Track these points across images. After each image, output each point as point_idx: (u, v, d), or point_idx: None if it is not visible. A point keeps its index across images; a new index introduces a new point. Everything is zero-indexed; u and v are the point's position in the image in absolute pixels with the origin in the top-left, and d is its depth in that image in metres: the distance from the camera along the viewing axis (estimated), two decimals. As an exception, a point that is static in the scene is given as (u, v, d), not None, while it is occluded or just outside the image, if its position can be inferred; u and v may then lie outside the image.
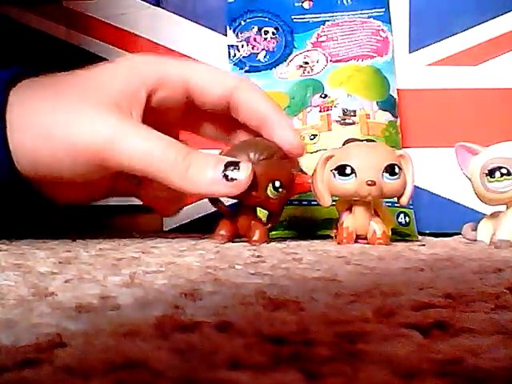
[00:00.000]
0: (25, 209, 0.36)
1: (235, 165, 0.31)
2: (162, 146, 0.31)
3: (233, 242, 0.35)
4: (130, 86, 0.33)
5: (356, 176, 0.35)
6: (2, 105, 0.31)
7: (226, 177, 0.31)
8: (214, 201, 0.35)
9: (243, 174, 0.31)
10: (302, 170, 0.39)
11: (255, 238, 0.35)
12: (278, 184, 0.33)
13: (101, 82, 0.32)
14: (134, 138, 0.31)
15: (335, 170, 0.36)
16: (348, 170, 0.35)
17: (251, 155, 0.33)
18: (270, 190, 0.33)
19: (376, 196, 0.35)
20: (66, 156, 0.31)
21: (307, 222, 0.45)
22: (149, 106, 0.33)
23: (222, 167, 0.31)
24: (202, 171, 0.31)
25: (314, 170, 0.38)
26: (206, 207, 0.54)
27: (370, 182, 0.34)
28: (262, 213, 0.37)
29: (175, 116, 0.36)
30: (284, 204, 0.36)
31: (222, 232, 0.35)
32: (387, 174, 0.35)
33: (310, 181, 0.37)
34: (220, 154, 0.35)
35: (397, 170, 0.35)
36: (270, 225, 0.36)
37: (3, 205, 0.35)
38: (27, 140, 0.31)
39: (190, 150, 0.32)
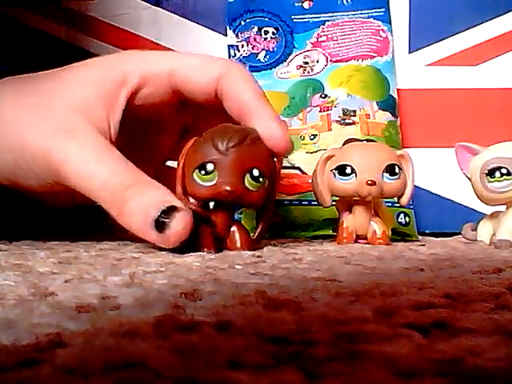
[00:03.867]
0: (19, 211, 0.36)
1: (172, 209, 0.27)
2: (106, 173, 0.29)
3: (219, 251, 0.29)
4: (105, 89, 0.31)
5: (356, 176, 0.35)
6: None
7: (157, 224, 0.27)
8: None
9: (179, 224, 0.27)
10: (298, 168, 0.38)
11: (238, 245, 0.30)
12: (256, 173, 0.28)
13: (72, 86, 0.31)
14: (83, 159, 0.29)
15: (335, 169, 0.36)
16: (348, 170, 0.35)
17: (219, 144, 0.28)
18: (248, 181, 0.28)
19: (376, 196, 0.35)
20: (28, 168, 0.30)
21: (307, 222, 0.45)
22: (133, 104, 0.32)
23: (156, 212, 0.27)
24: (136, 212, 0.28)
25: (314, 170, 0.38)
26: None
27: (370, 182, 0.34)
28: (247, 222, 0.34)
29: (167, 112, 0.35)
30: (271, 200, 0.31)
31: (209, 246, 0.29)
32: (387, 174, 0.35)
33: (309, 180, 0.37)
34: (186, 148, 0.30)
35: (397, 169, 0.35)
36: (257, 232, 0.31)
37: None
38: None
39: (141, 180, 0.29)
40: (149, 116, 0.34)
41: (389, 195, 0.36)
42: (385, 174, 0.35)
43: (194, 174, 0.28)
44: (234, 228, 0.30)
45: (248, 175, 0.28)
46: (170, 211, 0.27)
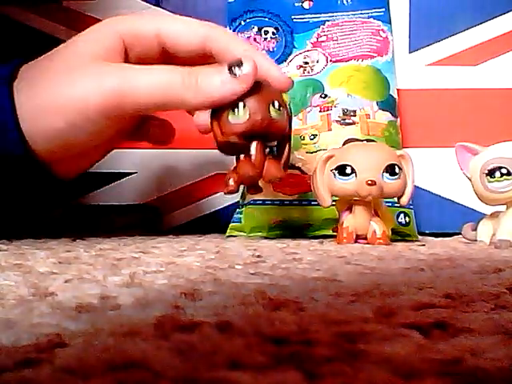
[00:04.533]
0: (34, 190, 0.37)
1: (238, 63, 0.33)
2: (166, 73, 0.33)
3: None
4: (111, 45, 0.34)
5: (356, 176, 0.35)
6: (10, 100, 0.32)
7: (234, 75, 0.32)
8: (249, 188, 0.36)
9: (248, 67, 0.32)
10: (298, 168, 0.39)
11: (273, 172, 0.34)
12: (277, 104, 0.34)
13: (85, 48, 0.34)
14: (139, 74, 0.32)
15: (335, 169, 0.36)
16: (348, 170, 0.35)
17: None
18: (272, 111, 0.34)
19: (376, 196, 0.35)
20: (79, 118, 0.32)
21: (307, 222, 0.45)
22: (128, 61, 0.35)
23: (226, 69, 0.32)
24: (210, 79, 0.33)
25: (314, 170, 0.38)
26: (205, 207, 0.54)
27: (370, 182, 0.34)
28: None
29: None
30: (289, 131, 0.36)
31: (231, 183, 0.35)
32: (387, 174, 0.35)
33: (309, 181, 0.37)
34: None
35: (397, 170, 0.35)
36: (284, 157, 0.36)
37: (15, 187, 0.36)
38: (43, 121, 0.32)
39: (190, 67, 0.33)
40: None
41: (389, 195, 0.36)
42: (385, 174, 0.35)
43: (229, 117, 0.33)
44: (267, 162, 0.35)
45: (271, 106, 0.33)
46: (234, 64, 0.33)
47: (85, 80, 0.32)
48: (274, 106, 0.34)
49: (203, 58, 0.36)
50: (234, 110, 0.33)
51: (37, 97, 0.32)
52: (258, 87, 0.33)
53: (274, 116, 0.34)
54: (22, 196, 0.37)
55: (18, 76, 0.33)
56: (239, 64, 0.33)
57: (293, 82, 0.37)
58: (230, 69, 0.32)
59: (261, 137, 0.34)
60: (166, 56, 0.36)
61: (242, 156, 0.35)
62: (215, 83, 0.33)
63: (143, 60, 0.35)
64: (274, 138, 0.35)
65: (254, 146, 0.34)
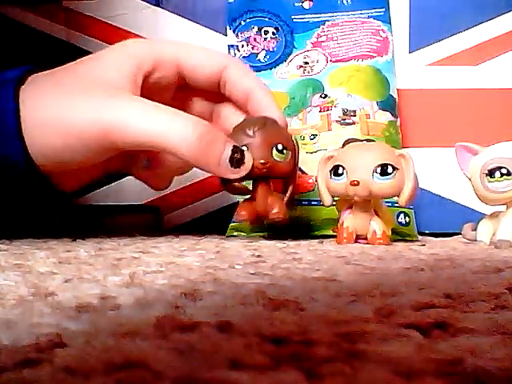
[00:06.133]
0: (34, 199, 0.37)
1: (240, 153, 0.34)
2: (168, 122, 0.33)
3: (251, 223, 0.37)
4: (127, 71, 0.34)
5: (347, 176, 0.35)
6: (15, 103, 0.32)
7: (232, 162, 0.34)
8: (225, 182, 0.36)
9: (248, 160, 0.34)
10: (298, 168, 0.39)
11: (275, 210, 0.36)
12: (280, 147, 0.35)
13: (99, 71, 0.34)
14: (139, 115, 0.32)
15: (331, 170, 0.36)
16: (340, 170, 0.36)
17: (247, 131, 0.35)
18: (275, 154, 0.35)
19: (363, 196, 0.35)
20: (78, 143, 0.32)
21: (307, 222, 0.45)
22: (145, 86, 0.35)
23: (228, 159, 0.33)
24: (215, 150, 0.33)
25: (318, 170, 0.38)
26: (205, 207, 0.54)
27: (354, 182, 0.34)
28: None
29: (168, 93, 0.38)
30: (294, 171, 0.37)
31: (243, 212, 0.36)
32: (378, 175, 0.35)
33: (310, 181, 0.37)
34: None
35: (390, 170, 0.35)
36: (287, 196, 0.37)
37: (14, 195, 0.36)
38: (41, 136, 0.32)
39: (204, 125, 0.33)
40: (153, 98, 0.36)
41: (381, 195, 0.36)
42: (375, 174, 0.35)
43: None
44: (270, 199, 0.36)
45: (274, 149, 0.35)
46: (237, 151, 0.34)
47: (85, 108, 0.32)
48: (277, 148, 0.34)
49: (217, 86, 0.38)
50: (238, 154, 0.34)
51: (39, 110, 0.33)
52: (263, 129, 0.35)
53: (277, 159, 0.35)
54: (20, 200, 0.37)
55: (26, 82, 0.33)
56: (241, 155, 0.34)
57: (287, 124, 0.39)
58: (232, 153, 0.33)
59: (265, 178, 0.36)
60: (183, 82, 0.38)
61: (246, 196, 0.37)
62: (214, 155, 0.33)
63: (160, 84, 0.37)
64: (278, 177, 0.37)
65: (257, 188, 0.36)
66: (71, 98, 0.33)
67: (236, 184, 0.36)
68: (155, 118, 0.32)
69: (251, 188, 0.37)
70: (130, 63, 0.34)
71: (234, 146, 0.33)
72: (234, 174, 0.34)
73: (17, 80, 0.33)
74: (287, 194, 0.37)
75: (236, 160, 0.33)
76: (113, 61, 0.35)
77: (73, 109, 0.32)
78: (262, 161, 0.34)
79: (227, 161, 0.33)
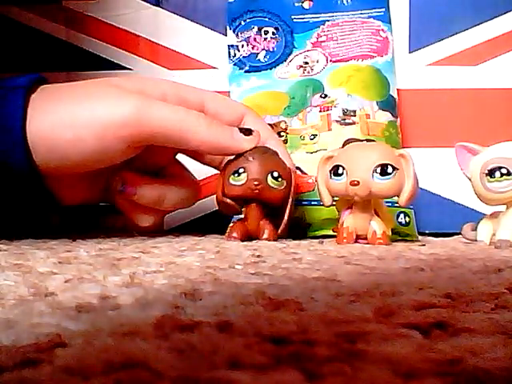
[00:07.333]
0: (32, 203, 0.38)
1: (248, 130, 0.37)
2: (193, 113, 0.35)
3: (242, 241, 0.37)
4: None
5: (347, 176, 0.35)
6: (22, 108, 0.32)
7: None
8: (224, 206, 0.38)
9: (255, 134, 0.37)
10: (298, 168, 0.40)
11: (265, 235, 0.37)
12: (276, 174, 0.36)
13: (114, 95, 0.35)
14: (157, 104, 0.34)
15: (331, 170, 0.36)
16: (340, 170, 0.36)
17: (248, 156, 0.37)
18: (270, 180, 0.36)
19: (364, 196, 0.35)
20: (92, 136, 0.33)
21: (307, 222, 0.45)
22: None
23: (237, 129, 0.37)
24: (223, 127, 0.37)
25: (318, 170, 0.38)
26: (206, 207, 0.54)
27: (355, 182, 0.34)
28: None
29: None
30: (290, 201, 0.38)
31: (234, 234, 0.37)
32: (377, 174, 0.35)
33: (309, 181, 0.37)
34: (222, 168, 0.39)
35: (389, 170, 0.35)
36: (280, 231, 0.38)
37: (13, 197, 0.36)
38: (47, 128, 0.33)
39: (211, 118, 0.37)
40: None
41: (381, 195, 0.36)
42: (375, 174, 0.35)
43: (230, 179, 0.37)
44: (262, 222, 0.38)
45: (270, 175, 0.36)
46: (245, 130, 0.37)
47: (106, 104, 0.33)
48: (272, 175, 0.36)
49: None
50: (235, 173, 0.36)
51: (51, 113, 0.33)
52: (263, 156, 0.37)
53: (271, 185, 0.36)
54: (20, 203, 0.38)
55: (36, 90, 0.34)
56: (249, 130, 0.37)
57: (295, 171, 0.41)
58: (240, 130, 0.37)
59: (258, 201, 0.37)
60: None
61: (239, 217, 0.39)
62: (227, 132, 0.36)
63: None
64: (271, 204, 0.37)
65: (249, 209, 0.38)
66: (89, 98, 0.34)
67: (228, 201, 0.37)
68: (174, 109, 0.35)
69: (244, 209, 0.38)
70: (157, 95, 0.36)
71: (239, 128, 0.37)
72: (248, 143, 0.37)
73: (26, 88, 0.33)
74: (284, 220, 0.38)
75: (245, 130, 0.37)
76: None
77: (91, 106, 0.33)
78: (256, 182, 0.36)
79: (239, 133, 0.36)
